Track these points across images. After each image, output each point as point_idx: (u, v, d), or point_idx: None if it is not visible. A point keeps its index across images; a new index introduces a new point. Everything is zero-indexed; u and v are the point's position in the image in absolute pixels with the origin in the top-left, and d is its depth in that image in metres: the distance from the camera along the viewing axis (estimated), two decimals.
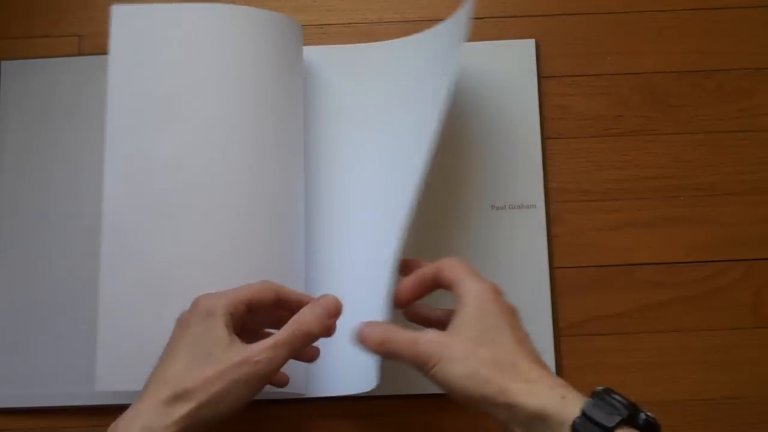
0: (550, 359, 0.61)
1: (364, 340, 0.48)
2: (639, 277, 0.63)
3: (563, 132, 0.66)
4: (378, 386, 0.54)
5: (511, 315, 0.48)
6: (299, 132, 0.63)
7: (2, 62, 0.67)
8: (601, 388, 0.43)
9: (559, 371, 0.61)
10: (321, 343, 0.53)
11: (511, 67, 0.67)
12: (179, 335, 0.48)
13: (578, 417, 0.41)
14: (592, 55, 0.68)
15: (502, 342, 0.45)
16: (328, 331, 0.50)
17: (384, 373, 0.53)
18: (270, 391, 0.54)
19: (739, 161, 0.66)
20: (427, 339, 0.46)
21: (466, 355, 0.44)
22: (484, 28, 0.69)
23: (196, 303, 0.49)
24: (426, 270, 0.51)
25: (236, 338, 0.48)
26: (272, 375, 0.48)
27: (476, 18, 0.69)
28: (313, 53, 0.67)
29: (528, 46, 0.68)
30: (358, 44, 0.68)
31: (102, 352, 0.55)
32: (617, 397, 0.42)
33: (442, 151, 0.65)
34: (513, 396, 0.42)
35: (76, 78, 0.67)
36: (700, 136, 0.66)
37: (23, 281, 0.63)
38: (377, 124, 0.66)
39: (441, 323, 0.49)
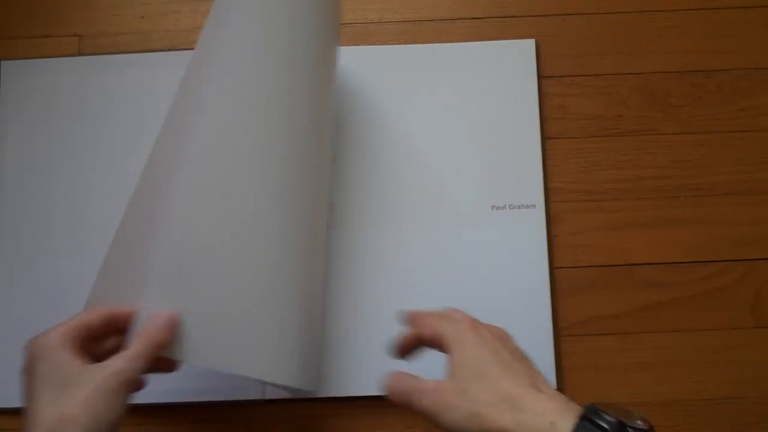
0: (550, 359, 0.61)
1: (388, 391, 0.49)
2: (639, 277, 0.63)
3: (563, 132, 0.66)
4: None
5: (492, 342, 0.47)
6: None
7: (2, 62, 0.67)
8: (588, 406, 0.43)
9: (559, 371, 0.61)
10: (336, 342, 0.53)
11: (511, 67, 0.67)
12: (32, 381, 0.48)
13: None
14: (592, 55, 0.68)
15: (489, 375, 0.45)
16: (171, 339, 0.50)
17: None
18: (281, 389, 0.54)
19: (739, 161, 0.66)
20: (425, 391, 0.47)
21: (460, 399, 0.45)
22: (484, 28, 0.69)
23: (30, 344, 0.49)
24: (427, 332, 0.50)
25: (87, 359, 0.48)
26: (136, 384, 0.48)
27: (476, 18, 0.69)
28: None
29: (528, 46, 0.68)
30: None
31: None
32: (605, 416, 0.42)
33: (442, 151, 0.65)
34: (507, 428, 0.43)
35: (76, 78, 0.67)
36: (700, 136, 0.66)
37: (24, 281, 0.63)
38: None
39: None
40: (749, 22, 0.68)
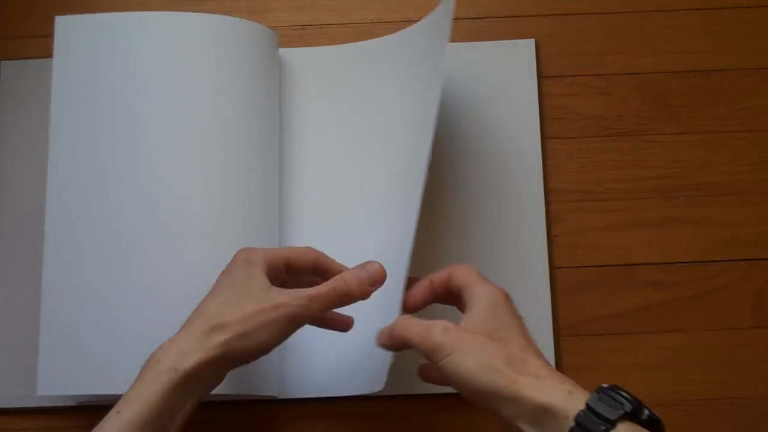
0: (550, 359, 0.60)
1: (379, 334, 0.50)
2: (639, 277, 0.63)
3: (563, 132, 0.66)
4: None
5: (520, 318, 0.49)
6: (270, 135, 0.63)
7: (2, 62, 0.67)
8: (608, 385, 0.44)
9: (559, 371, 0.60)
10: (332, 343, 0.54)
11: (511, 67, 0.67)
12: (221, 280, 0.52)
13: (582, 410, 0.42)
14: (592, 55, 0.68)
15: (514, 340, 0.46)
16: (366, 296, 0.52)
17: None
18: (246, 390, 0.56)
19: (739, 161, 0.66)
20: (441, 329, 0.46)
21: (479, 347, 0.45)
22: (484, 28, 0.69)
23: (236, 255, 0.52)
24: (436, 275, 0.52)
25: (274, 286, 0.50)
26: (305, 322, 0.51)
27: (476, 18, 0.69)
28: (302, 54, 0.68)
29: (528, 46, 0.68)
30: (346, 44, 0.68)
31: (44, 356, 0.56)
32: (623, 393, 0.43)
33: (441, 151, 0.65)
34: (522, 389, 0.43)
35: None
36: (699, 136, 0.66)
37: (23, 281, 0.62)
38: (356, 125, 0.66)
39: None
40: (749, 22, 0.68)
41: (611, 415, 0.41)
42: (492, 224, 0.64)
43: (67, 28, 0.60)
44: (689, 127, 0.66)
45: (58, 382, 0.56)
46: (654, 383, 0.61)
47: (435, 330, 0.46)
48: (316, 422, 0.61)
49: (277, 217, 0.62)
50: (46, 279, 0.57)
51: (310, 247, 0.54)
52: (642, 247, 0.64)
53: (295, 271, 0.53)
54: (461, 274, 0.50)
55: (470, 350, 0.45)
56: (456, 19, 0.68)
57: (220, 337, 0.48)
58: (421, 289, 0.52)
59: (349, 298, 0.51)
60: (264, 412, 0.61)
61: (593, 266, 0.64)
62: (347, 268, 0.53)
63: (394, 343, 0.50)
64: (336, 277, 0.52)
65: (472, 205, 0.64)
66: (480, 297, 0.48)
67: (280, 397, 0.60)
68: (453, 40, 0.68)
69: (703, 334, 0.62)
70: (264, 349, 0.50)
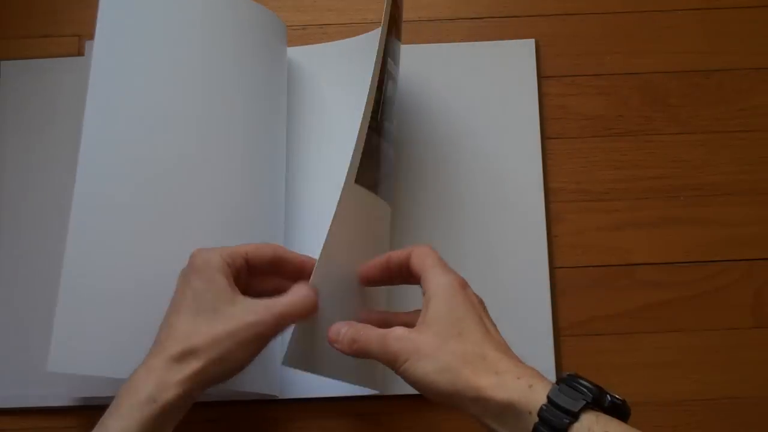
0: (550, 359, 0.61)
1: (335, 341, 0.48)
2: (639, 277, 0.63)
3: (563, 132, 0.66)
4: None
5: (478, 306, 0.47)
6: (280, 123, 0.63)
7: (2, 62, 0.67)
8: (567, 374, 0.44)
9: (559, 371, 0.61)
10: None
11: (511, 67, 0.67)
12: (182, 290, 0.49)
13: (545, 404, 0.41)
14: (592, 55, 0.68)
15: (470, 334, 0.45)
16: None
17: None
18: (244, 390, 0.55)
19: (739, 161, 0.66)
20: (396, 336, 0.46)
21: (435, 350, 0.44)
22: (484, 28, 0.69)
23: (193, 257, 0.50)
24: (395, 253, 0.51)
25: (238, 291, 0.49)
26: (276, 337, 0.49)
27: (476, 18, 0.69)
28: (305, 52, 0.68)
29: (528, 46, 0.68)
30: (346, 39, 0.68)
31: (59, 333, 0.53)
32: (583, 381, 0.43)
33: (441, 151, 0.65)
34: (482, 390, 0.43)
35: (76, 78, 0.67)
36: (699, 136, 0.66)
37: (23, 281, 0.62)
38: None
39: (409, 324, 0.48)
40: (749, 22, 0.69)
41: (573, 406, 0.41)
42: (492, 224, 0.64)
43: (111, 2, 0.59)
44: (689, 127, 0.66)
45: (69, 361, 0.53)
46: (654, 383, 0.61)
47: (390, 338, 0.46)
48: (316, 422, 0.61)
49: (282, 213, 0.62)
50: (69, 256, 0.55)
51: (267, 243, 0.52)
52: (642, 247, 0.64)
53: (255, 267, 0.51)
54: (418, 257, 0.49)
55: (426, 354, 0.44)
56: (456, 19, 0.69)
57: (195, 364, 0.47)
58: (375, 263, 0.51)
59: (316, 309, 0.50)
60: (264, 412, 0.61)
61: (593, 266, 0.64)
62: (309, 258, 0.52)
63: (355, 353, 0.48)
64: (305, 291, 0.49)
65: (472, 205, 0.64)
66: (436, 288, 0.47)
67: (281, 397, 0.60)
68: (453, 40, 0.68)
69: (703, 334, 0.62)
70: (240, 368, 0.49)
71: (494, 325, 0.47)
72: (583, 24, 0.69)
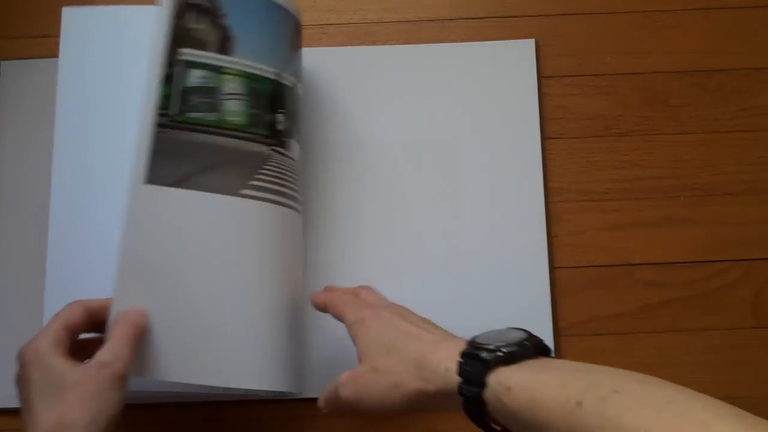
0: None
1: (319, 404, 0.52)
2: (639, 277, 0.63)
3: (563, 132, 0.66)
4: None
5: (394, 317, 0.50)
6: None
7: (2, 62, 0.67)
8: (468, 341, 0.45)
9: None
10: (332, 343, 0.55)
11: (511, 67, 0.67)
12: (26, 389, 0.49)
13: (460, 382, 0.43)
14: (592, 55, 0.68)
15: (396, 347, 0.48)
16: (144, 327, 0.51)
17: None
18: (267, 391, 0.55)
19: (739, 161, 0.66)
20: (341, 384, 0.49)
21: (374, 377, 0.48)
22: (484, 28, 0.69)
23: (21, 355, 0.50)
24: (316, 299, 0.55)
25: (76, 362, 0.48)
26: (127, 372, 0.49)
27: (476, 18, 0.69)
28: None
29: (528, 46, 0.68)
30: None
31: None
32: (480, 343, 0.44)
33: (441, 151, 0.65)
34: (421, 392, 0.45)
35: None
36: (699, 136, 0.66)
37: (23, 281, 0.62)
38: None
39: None
40: (749, 22, 0.68)
41: (479, 376, 0.42)
42: (492, 224, 0.64)
43: (73, 20, 0.60)
44: (689, 127, 0.66)
45: None
46: None
47: (339, 388, 0.49)
48: (317, 422, 0.61)
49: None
50: (51, 259, 0.56)
51: (71, 302, 0.52)
52: (642, 247, 0.64)
53: (79, 329, 0.51)
54: (334, 308, 0.53)
55: (369, 390, 0.48)
56: (456, 19, 0.69)
57: None
58: (317, 295, 0.56)
59: (142, 328, 0.51)
60: (264, 412, 0.61)
61: (593, 266, 0.64)
62: (107, 299, 0.52)
63: (331, 413, 0.52)
64: (120, 319, 0.50)
65: (472, 205, 0.64)
66: (351, 330, 0.51)
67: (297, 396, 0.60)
68: (453, 40, 0.68)
69: (703, 334, 0.62)
70: (117, 416, 0.48)
71: (416, 322, 0.49)
72: (583, 24, 0.69)
